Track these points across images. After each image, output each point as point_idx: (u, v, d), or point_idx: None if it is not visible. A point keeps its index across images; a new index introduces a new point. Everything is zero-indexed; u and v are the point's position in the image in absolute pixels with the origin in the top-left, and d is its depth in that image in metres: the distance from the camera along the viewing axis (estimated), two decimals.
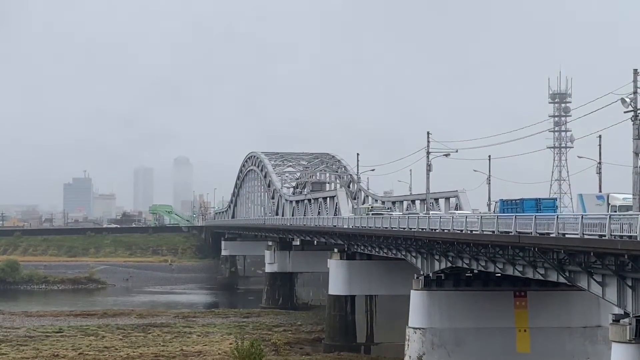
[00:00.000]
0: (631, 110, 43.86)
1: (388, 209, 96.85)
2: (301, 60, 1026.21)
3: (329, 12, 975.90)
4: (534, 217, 45.76)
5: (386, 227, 71.70)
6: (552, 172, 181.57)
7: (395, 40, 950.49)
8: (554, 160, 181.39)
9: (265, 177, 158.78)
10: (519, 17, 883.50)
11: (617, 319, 40.24)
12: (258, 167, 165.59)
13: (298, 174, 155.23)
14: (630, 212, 39.89)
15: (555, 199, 59.54)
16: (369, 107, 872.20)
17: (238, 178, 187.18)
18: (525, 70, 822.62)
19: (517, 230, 47.05)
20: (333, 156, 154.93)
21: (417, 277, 63.64)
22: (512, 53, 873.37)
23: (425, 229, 61.40)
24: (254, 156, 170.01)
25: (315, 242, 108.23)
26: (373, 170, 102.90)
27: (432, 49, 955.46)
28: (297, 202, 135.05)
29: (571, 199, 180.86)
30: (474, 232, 53.01)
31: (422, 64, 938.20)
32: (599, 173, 69.16)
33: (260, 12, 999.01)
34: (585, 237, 39.61)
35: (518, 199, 60.14)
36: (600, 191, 67.45)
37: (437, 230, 59.09)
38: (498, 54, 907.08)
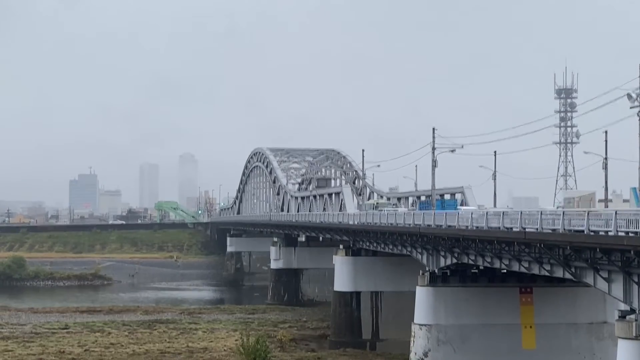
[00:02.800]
0: (637, 106, 43.75)
1: (393, 204, 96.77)
2: (303, 57, 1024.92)
3: (331, 10, 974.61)
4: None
5: (392, 223, 71.59)
6: (558, 167, 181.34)
7: (397, 37, 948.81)
8: (559, 155, 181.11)
9: (270, 173, 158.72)
10: (523, 12, 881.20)
11: (623, 315, 40.15)
12: (263, 163, 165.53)
13: (303, 170, 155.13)
14: None
15: (456, 201, 75.35)
16: (371, 105, 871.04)
17: (243, 174, 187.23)
18: (529, 66, 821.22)
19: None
20: (338, 152, 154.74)
21: (423, 274, 63.53)
22: (515, 49, 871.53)
23: (431, 225, 61.30)
24: (259, 152, 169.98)
25: (321, 238, 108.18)
26: (378, 166, 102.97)
27: (434, 46, 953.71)
28: (303, 198, 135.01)
29: None
30: (479, 228, 52.87)
31: (424, 61, 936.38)
32: (605, 168, 68.97)
33: (262, 8, 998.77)
34: (592, 233, 39.51)
35: (430, 200, 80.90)
36: (606, 186, 67.34)
37: (442, 227, 58.98)
38: (501, 50, 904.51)
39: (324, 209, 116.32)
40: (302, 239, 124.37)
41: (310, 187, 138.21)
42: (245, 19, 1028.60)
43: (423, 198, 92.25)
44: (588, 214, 40.38)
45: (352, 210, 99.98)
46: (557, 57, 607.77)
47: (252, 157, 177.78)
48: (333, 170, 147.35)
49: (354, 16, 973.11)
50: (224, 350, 78.43)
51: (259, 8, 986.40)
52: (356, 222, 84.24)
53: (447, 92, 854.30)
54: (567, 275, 45.43)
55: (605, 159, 69.00)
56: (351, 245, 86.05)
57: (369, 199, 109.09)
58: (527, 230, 46.01)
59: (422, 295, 62.13)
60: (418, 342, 61.06)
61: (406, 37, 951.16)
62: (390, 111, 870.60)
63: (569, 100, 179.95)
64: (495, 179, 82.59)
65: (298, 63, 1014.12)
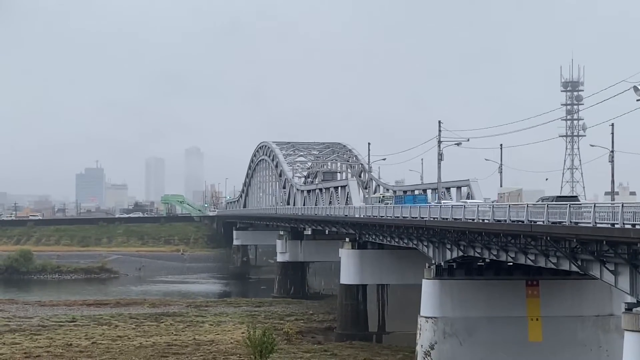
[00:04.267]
0: None
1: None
2: (305, 53, 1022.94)
3: (334, 5, 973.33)
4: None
5: (397, 217, 71.68)
6: (565, 160, 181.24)
7: (399, 32, 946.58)
8: (566, 148, 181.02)
9: (276, 166, 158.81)
10: (527, 6, 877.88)
11: (629, 308, 40.15)
12: (269, 156, 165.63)
13: (309, 164, 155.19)
14: None
15: (426, 195, 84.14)
16: (374, 100, 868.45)
17: (249, 168, 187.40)
18: (532, 61, 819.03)
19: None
20: (344, 145, 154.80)
21: (429, 266, 63.60)
22: (519, 43, 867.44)
23: (437, 218, 61.34)
24: (265, 146, 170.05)
25: (327, 231, 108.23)
26: (384, 159, 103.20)
27: (436, 41, 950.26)
28: (309, 191, 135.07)
29: (584, 187, 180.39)
30: (485, 221, 52.89)
31: (426, 57, 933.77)
32: (612, 161, 69.01)
33: (263, 7, 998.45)
34: (598, 225, 39.52)
35: (403, 195, 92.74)
36: (612, 178, 67.35)
37: (448, 220, 59.01)
38: (504, 45, 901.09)
39: (330, 203, 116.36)
40: (308, 232, 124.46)
41: (316, 181, 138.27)
42: (248, 15, 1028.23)
43: (400, 193, 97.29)
44: (594, 206, 40.38)
45: (358, 204, 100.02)
46: (563, 50, 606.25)
47: (257, 151, 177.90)
48: (339, 164, 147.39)
49: (357, 10, 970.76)
50: (231, 342, 78.67)
51: (260, 6, 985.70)
52: (362, 215, 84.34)
53: (450, 87, 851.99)
54: (574, 268, 45.44)
55: (612, 151, 69.03)
56: (357, 238, 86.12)
57: (375, 192, 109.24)
58: (532, 222, 46.06)
59: (429, 288, 62.20)
60: (424, 335, 61.16)
61: (408, 32, 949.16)
62: (394, 106, 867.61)
63: (575, 93, 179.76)
64: (501, 172, 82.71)
65: (300, 58, 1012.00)
